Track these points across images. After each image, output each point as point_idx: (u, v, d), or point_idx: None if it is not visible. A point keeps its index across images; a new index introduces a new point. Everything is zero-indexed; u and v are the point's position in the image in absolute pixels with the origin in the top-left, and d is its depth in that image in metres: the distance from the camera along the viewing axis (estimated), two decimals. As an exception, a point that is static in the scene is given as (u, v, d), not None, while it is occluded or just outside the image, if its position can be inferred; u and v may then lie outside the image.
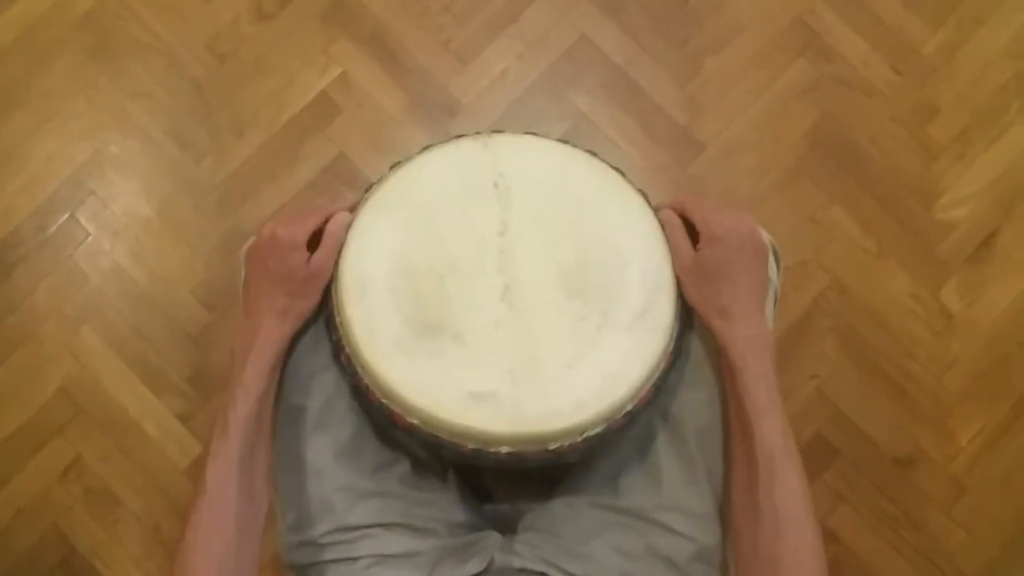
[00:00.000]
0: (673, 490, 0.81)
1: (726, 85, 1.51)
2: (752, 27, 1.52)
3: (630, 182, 0.85)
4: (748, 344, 0.76)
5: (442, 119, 1.50)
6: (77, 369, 1.44)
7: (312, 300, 0.81)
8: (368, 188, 0.85)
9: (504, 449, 0.75)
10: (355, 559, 0.81)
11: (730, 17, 1.52)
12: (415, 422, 0.76)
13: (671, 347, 0.79)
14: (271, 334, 0.78)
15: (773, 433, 0.74)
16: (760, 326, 0.78)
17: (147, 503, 1.41)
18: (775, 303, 0.88)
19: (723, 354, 0.78)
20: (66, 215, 1.48)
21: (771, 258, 0.88)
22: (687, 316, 0.82)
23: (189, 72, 1.51)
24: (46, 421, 1.43)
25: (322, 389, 0.84)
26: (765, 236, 0.89)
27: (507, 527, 0.88)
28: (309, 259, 0.79)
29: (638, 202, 0.84)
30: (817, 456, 1.41)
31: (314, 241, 0.80)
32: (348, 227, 0.82)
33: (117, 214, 1.48)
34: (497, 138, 0.85)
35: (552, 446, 0.74)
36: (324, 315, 0.83)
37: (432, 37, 1.52)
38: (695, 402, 0.83)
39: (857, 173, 1.48)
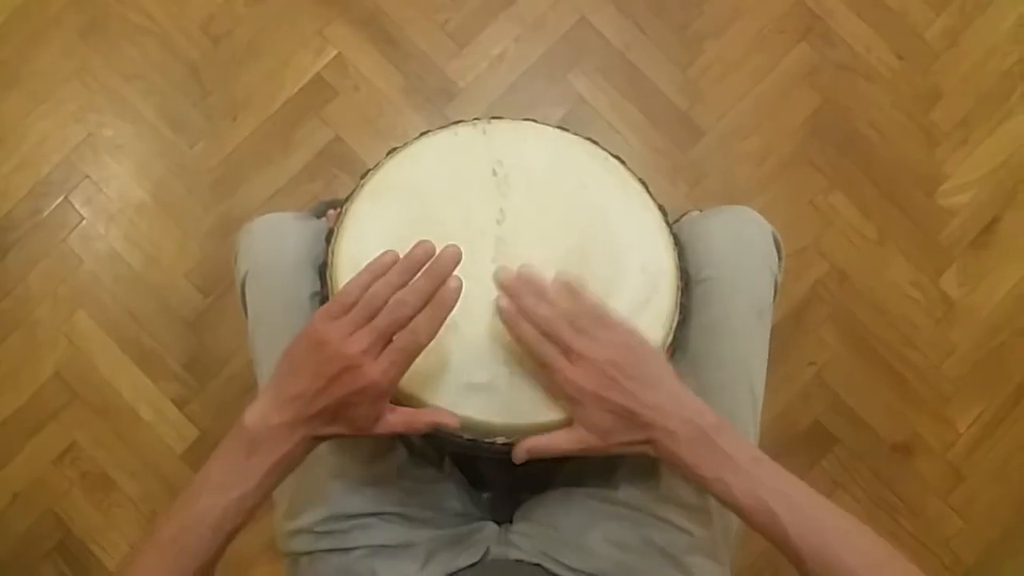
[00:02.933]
0: (670, 483, 0.81)
1: (726, 69, 1.49)
2: (753, 11, 1.51)
3: (630, 170, 0.84)
4: (690, 446, 0.68)
5: (439, 102, 1.49)
6: (72, 353, 1.43)
7: (347, 434, 0.70)
8: (364, 174, 0.84)
9: (500, 440, 0.74)
10: (350, 549, 0.81)
11: (731, 0, 1.51)
12: (411, 411, 0.75)
13: (670, 339, 0.78)
14: (296, 456, 0.68)
15: (777, 499, 0.66)
16: (684, 411, 0.69)
17: (143, 487, 1.41)
18: (775, 295, 0.87)
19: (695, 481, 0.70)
20: (60, 199, 1.47)
21: (773, 248, 0.87)
22: (686, 308, 0.81)
23: (183, 54, 1.50)
24: (41, 406, 1.42)
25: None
26: (765, 224, 0.88)
27: (503, 517, 0.88)
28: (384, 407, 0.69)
29: (638, 191, 0.83)
30: (815, 443, 1.41)
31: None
32: (344, 213, 0.81)
33: (111, 197, 1.47)
34: (496, 124, 0.84)
35: (548, 436, 0.74)
36: (319, 300, 0.82)
37: (429, 19, 1.50)
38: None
39: (858, 159, 1.47)
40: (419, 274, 0.66)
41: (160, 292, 1.45)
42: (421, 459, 0.87)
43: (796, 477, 0.68)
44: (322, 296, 0.80)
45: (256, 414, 0.66)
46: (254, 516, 0.68)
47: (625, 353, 0.70)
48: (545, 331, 0.71)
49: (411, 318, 0.66)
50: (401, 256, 0.68)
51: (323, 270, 0.80)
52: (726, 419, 0.70)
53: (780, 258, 0.89)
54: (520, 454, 0.72)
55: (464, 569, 0.80)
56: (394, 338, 0.66)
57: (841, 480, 1.41)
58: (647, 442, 0.69)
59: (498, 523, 0.86)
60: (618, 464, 0.82)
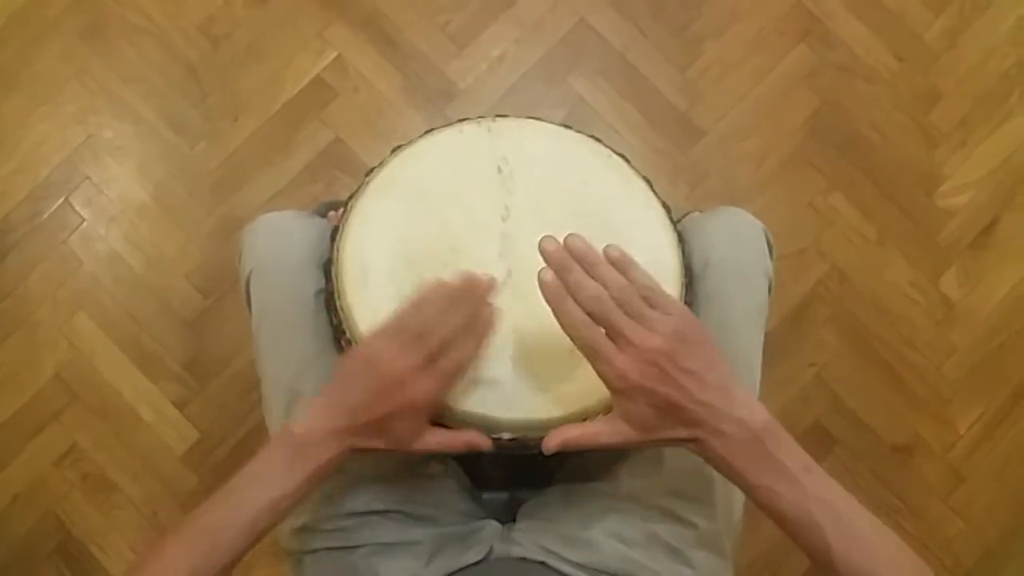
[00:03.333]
0: (674, 476, 0.81)
1: (726, 70, 1.50)
2: (752, 12, 1.51)
3: (635, 168, 0.84)
4: (740, 449, 0.65)
5: (439, 103, 1.49)
6: (72, 355, 1.43)
7: (386, 449, 0.71)
8: (369, 171, 0.84)
9: (506, 435, 0.74)
10: (353, 547, 0.81)
11: (730, 2, 1.51)
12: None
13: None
14: (336, 464, 0.70)
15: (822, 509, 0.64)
16: (735, 410, 0.65)
17: (143, 489, 1.41)
18: (770, 292, 0.87)
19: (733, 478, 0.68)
20: (60, 200, 1.47)
21: (765, 247, 0.87)
22: (691, 305, 0.81)
23: (183, 55, 1.50)
24: (42, 407, 1.42)
25: (321, 374, 0.82)
26: (757, 223, 0.89)
27: (507, 515, 0.87)
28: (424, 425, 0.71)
29: (642, 189, 0.83)
30: (816, 444, 1.41)
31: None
32: (349, 211, 0.81)
33: (111, 199, 1.47)
34: (500, 122, 0.84)
35: (556, 433, 0.73)
36: (324, 298, 0.82)
37: (429, 20, 1.50)
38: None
39: (857, 160, 1.47)
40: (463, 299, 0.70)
41: (161, 293, 1.45)
42: (425, 457, 0.86)
43: (844, 489, 0.65)
44: (327, 293, 0.80)
45: (303, 423, 0.69)
46: (285, 519, 0.71)
47: (678, 343, 0.64)
48: (593, 312, 0.65)
49: (452, 340, 0.69)
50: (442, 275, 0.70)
51: (328, 267, 0.80)
52: (775, 420, 0.66)
53: (771, 255, 0.89)
54: (552, 445, 0.69)
55: (468, 567, 0.79)
56: (440, 360, 0.69)
57: (841, 481, 1.36)
58: (692, 440, 0.66)
59: (501, 521, 0.86)
60: (621, 458, 0.82)
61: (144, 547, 1.39)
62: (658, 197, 0.83)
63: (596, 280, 0.65)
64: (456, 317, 0.69)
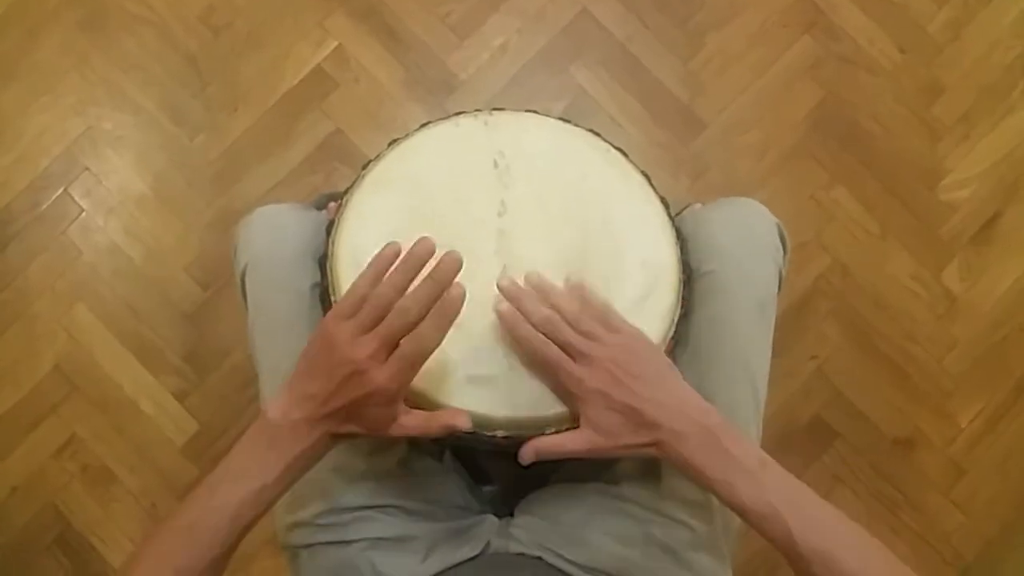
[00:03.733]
0: (671, 478, 0.80)
1: (728, 62, 1.49)
2: (755, 3, 1.50)
3: (632, 163, 0.83)
4: (698, 448, 0.69)
5: (440, 94, 1.48)
6: (71, 346, 1.43)
7: (363, 434, 0.70)
8: (365, 165, 0.83)
9: (501, 433, 0.74)
10: (350, 542, 0.80)
11: (733, -7, 1.50)
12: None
13: (671, 333, 0.78)
14: (316, 452, 0.69)
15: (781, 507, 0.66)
16: (690, 412, 0.70)
17: (143, 481, 1.41)
18: (779, 287, 0.87)
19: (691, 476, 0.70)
20: (59, 191, 1.46)
21: (778, 241, 0.87)
22: (687, 302, 0.81)
23: (183, 45, 1.49)
24: (41, 399, 1.42)
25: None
26: (769, 216, 0.88)
27: (504, 510, 0.87)
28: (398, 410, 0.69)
29: (640, 184, 0.82)
30: (816, 438, 1.41)
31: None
32: (345, 205, 0.80)
33: (111, 190, 1.47)
34: (497, 116, 0.84)
35: (549, 431, 0.73)
36: (319, 292, 0.81)
37: (430, 11, 1.50)
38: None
39: (860, 153, 1.46)
40: (422, 280, 0.66)
41: (160, 285, 1.44)
42: (421, 452, 0.86)
43: (800, 481, 0.68)
44: (322, 288, 0.80)
45: (277, 409, 0.67)
46: (271, 509, 0.69)
47: (628, 353, 0.71)
48: (546, 332, 0.73)
49: (415, 324, 0.65)
50: (404, 249, 0.67)
51: (323, 262, 0.80)
52: (730, 420, 0.70)
53: (785, 251, 0.88)
54: (527, 455, 0.73)
55: (464, 562, 0.79)
56: (400, 344, 0.65)
57: (842, 475, 1.40)
58: (653, 444, 0.70)
59: (498, 516, 0.86)
60: (620, 459, 0.82)
61: (137, 544, 1.38)
62: (656, 192, 0.83)
63: (552, 307, 0.74)
64: (416, 302, 0.65)
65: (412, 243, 0.67)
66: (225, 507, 0.66)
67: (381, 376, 0.65)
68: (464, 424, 0.70)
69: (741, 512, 0.67)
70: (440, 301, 0.65)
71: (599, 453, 0.71)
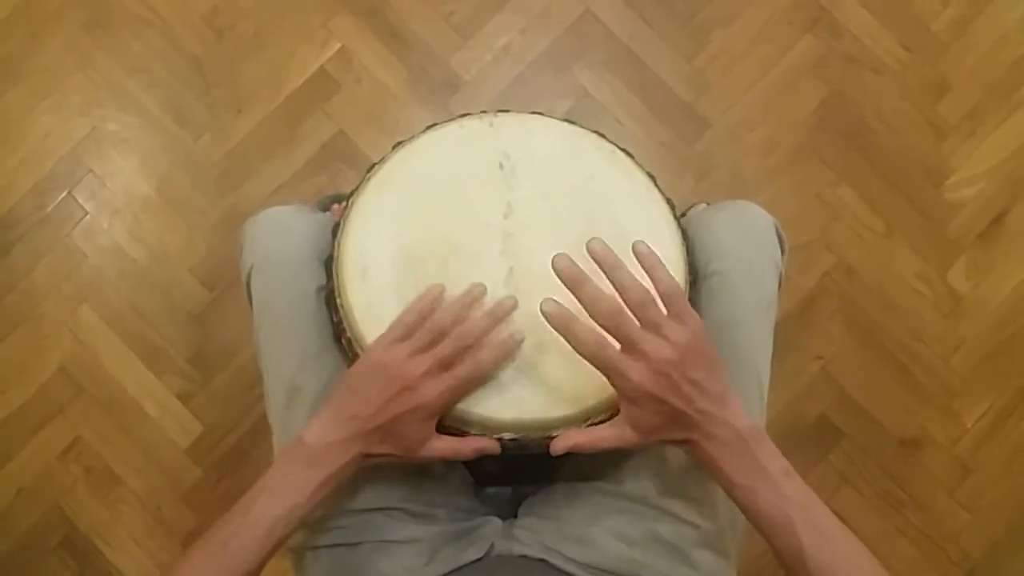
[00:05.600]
0: (676, 476, 0.80)
1: (732, 61, 1.49)
2: (759, 2, 1.50)
3: (639, 164, 0.83)
4: (727, 451, 0.69)
5: (443, 95, 1.48)
6: (77, 348, 1.43)
7: (396, 455, 0.73)
8: (370, 168, 0.83)
9: (506, 436, 0.74)
10: (355, 544, 0.81)
11: (737, -9, 1.50)
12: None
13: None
14: (348, 471, 0.72)
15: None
16: (727, 416, 0.68)
17: (148, 483, 1.41)
18: (780, 286, 0.87)
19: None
20: (64, 193, 1.47)
21: (776, 241, 0.87)
22: (694, 303, 0.80)
23: (187, 47, 1.49)
24: (46, 401, 1.42)
25: (322, 371, 0.82)
26: (768, 217, 0.88)
27: (508, 512, 0.87)
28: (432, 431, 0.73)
29: (646, 185, 0.82)
30: (822, 437, 1.41)
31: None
32: (350, 207, 0.80)
33: (115, 192, 1.47)
34: (502, 117, 0.84)
35: (555, 433, 0.73)
36: (325, 295, 0.81)
37: (433, 11, 1.49)
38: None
39: (865, 151, 1.46)
40: (480, 314, 0.73)
41: (165, 287, 1.44)
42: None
43: (817, 495, 0.69)
44: (328, 290, 0.80)
45: (316, 431, 0.71)
46: (302, 526, 0.73)
47: (690, 353, 0.66)
48: (607, 327, 0.66)
49: (466, 351, 0.71)
50: (447, 290, 0.74)
51: (329, 264, 0.80)
52: (759, 426, 0.71)
53: (783, 250, 0.88)
54: (559, 449, 0.71)
55: (469, 564, 0.79)
56: (458, 366, 0.71)
57: (848, 474, 1.40)
58: (685, 442, 0.70)
59: (502, 518, 0.86)
60: (623, 458, 0.82)
61: (168, 563, 1.39)
62: (662, 193, 0.83)
63: (616, 284, 0.66)
64: (478, 329, 0.71)
65: (467, 288, 0.74)
66: (260, 524, 0.69)
67: (431, 393, 0.70)
68: (494, 449, 0.73)
69: (756, 518, 0.68)
70: (504, 342, 0.72)
71: (629, 447, 0.71)
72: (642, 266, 0.67)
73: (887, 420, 1.41)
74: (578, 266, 0.66)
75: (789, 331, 1.41)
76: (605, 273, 0.66)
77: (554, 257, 0.66)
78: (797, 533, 0.66)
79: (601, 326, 0.66)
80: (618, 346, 0.67)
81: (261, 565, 0.70)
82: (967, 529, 1.40)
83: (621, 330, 0.66)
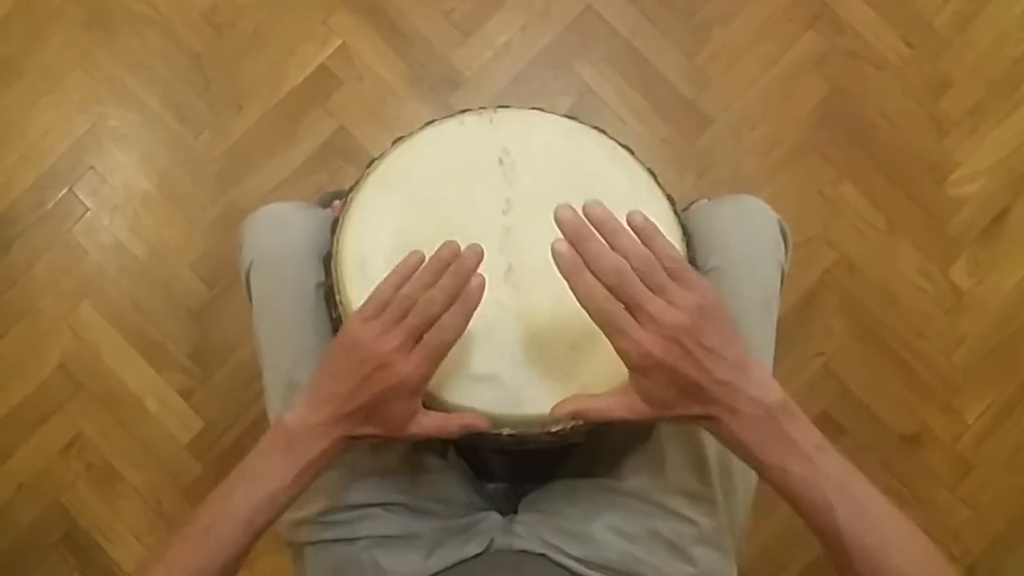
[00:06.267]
0: (676, 472, 0.80)
1: (734, 57, 1.48)
2: (760, -2, 1.49)
3: (639, 160, 0.83)
4: (754, 427, 0.64)
5: (444, 92, 1.48)
6: (77, 344, 1.43)
7: (381, 435, 0.70)
8: (370, 163, 0.83)
9: (506, 431, 0.74)
10: (354, 539, 0.80)
11: (738, -13, 1.50)
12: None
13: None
14: (331, 455, 0.70)
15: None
16: (751, 388, 0.63)
17: (148, 478, 1.41)
18: (782, 283, 0.87)
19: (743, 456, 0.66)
20: (64, 190, 1.47)
21: (779, 238, 0.86)
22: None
23: (187, 44, 1.49)
24: (47, 397, 1.43)
25: (321, 366, 0.82)
26: (771, 213, 0.87)
27: (508, 507, 0.87)
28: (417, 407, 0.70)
29: (646, 181, 0.82)
30: (823, 433, 1.40)
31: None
32: (350, 204, 0.80)
33: (116, 188, 1.47)
34: (502, 113, 0.83)
35: (554, 429, 0.73)
36: (324, 291, 0.81)
37: (434, 7, 1.49)
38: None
39: (867, 148, 1.46)
40: (446, 273, 0.67)
41: (165, 283, 1.45)
42: (425, 449, 0.86)
43: (858, 471, 0.64)
44: (327, 286, 0.80)
45: (295, 415, 0.69)
46: (284, 512, 0.70)
47: (701, 318, 0.62)
48: (612, 286, 0.62)
49: (439, 316, 0.67)
50: (427, 256, 0.69)
51: (328, 260, 0.80)
52: (789, 398, 0.64)
53: (787, 247, 0.88)
54: (563, 412, 0.68)
55: (469, 560, 0.79)
56: (424, 336, 0.67)
57: (849, 471, 1.40)
58: (707, 418, 0.64)
59: (502, 513, 0.86)
60: (623, 454, 0.82)
61: (150, 549, 1.39)
62: (662, 189, 0.82)
63: (617, 250, 0.63)
64: (441, 293, 0.66)
65: (437, 248, 0.68)
66: (241, 510, 0.67)
67: (406, 367, 0.66)
68: (482, 425, 0.71)
69: (792, 499, 0.64)
70: (464, 291, 0.67)
71: (643, 420, 0.66)
72: (640, 238, 0.64)
73: (888, 416, 1.41)
74: (583, 219, 0.63)
75: (790, 327, 1.40)
76: (604, 237, 0.63)
77: (557, 208, 0.63)
78: (835, 514, 0.61)
79: (606, 285, 0.62)
80: None
81: (244, 551, 0.68)
82: (968, 525, 1.39)
83: (627, 290, 0.62)
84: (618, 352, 0.64)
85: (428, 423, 0.70)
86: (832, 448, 0.64)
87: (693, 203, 1.33)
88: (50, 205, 1.46)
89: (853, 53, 1.48)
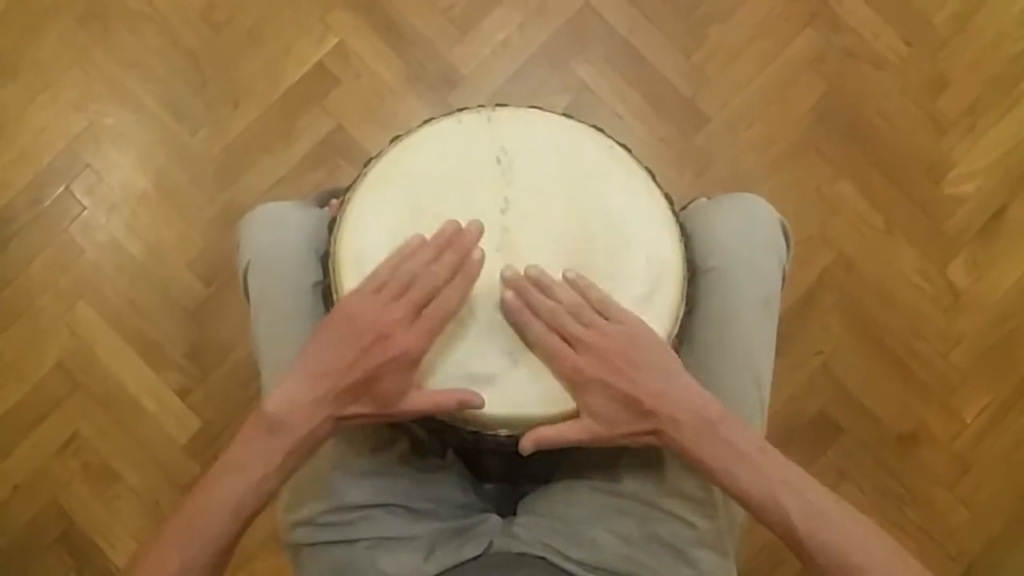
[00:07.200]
0: (674, 475, 0.80)
1: (731, 55, 1.48)
2: (757, -4, 1.49)
3: (636, 159, 0.83)
4: (697, 435, 0.69)
5: (441, 90, 1.47)
6: (74, 344, 1.43)
7: (371, 414, 0.70)
8: (367, 162, 0.83)
9: (503, 432, 0.74)
10: (353, 541, 0.80)
11: (736, -14, 1.49)
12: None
13: (676, 330, 0.77)
14: (318, 438, 0.68)
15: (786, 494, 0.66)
16: (689, 402, 0.70)
17: (145, 478, 1.41)
18: (783, 282, 0.86)
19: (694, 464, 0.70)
20: (61, 188, 1.46)
21: (780, 236, 0.86)
22: (692, 299, 0.80)
23: (184, 42, 1.49)
24: (43, 396, 1.42)
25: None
26: (772, 212, 0.87)
27: (506, 509, 0.87)
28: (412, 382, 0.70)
29: (644, 180, 0.82)
30: (821, 433, 1.40)
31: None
32: (347, 202, 0.80)
33: (112, 187, 1.46)
34: (500, 112, 0.83)
35: (552, 430, 0.73)
36: (321, 291, 0.81)
37: (431, 5, 1.49)
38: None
39: (865, 146, 1.45)
40: (449, 249, 0.72)
41: (162, 282, 1.44)
42: (424, 451, 0.86)
43: (802, 469, 0.68)
44: (324, 285, 0.79)
45: (279, 396, 0.67)
46: (272, 501, 0.69)
47: (629, 343, 0.71)
48: (550, 324, 0.73)
49: (440, 289, 0.70)
50: (429, 238, 0.73)
51: (325, 259, 0.79)
52: (732, 410, 0.70)
53: (789, 247, 0.87)
54: (527, 445, 0.72)
55: (467, 562, 0.79)
56: (424, 309, 0.69)
57: (846, 470, 1.40)
58: (652, 432, 0.70)
59: (501, 515, 0.86)
60: (622, 456, 0.82)
61: (141, 543, 1.38)
62: (660, 188, 0.82)
63: (553, 298, 0.74)
64: (444, 267, 0.70)
65: (441, 226, 0.73)
66: (227, 499, 0.66)
67: (406, 339, 0.68)
68: (477, 402, 0.72)
69: (744, 502, 0.67)
70: (464, 264, 0.72)
71: (599, 442, 0.72)
72: (575, 289, 0.75)
73: (886, 415, 1.41)
74: (523, 277, 0.75)
75: (788, 326, 1.38)
76: (543, 292, 0.74)
77: (502, 270, 0.75)
78: (786, 512, 0.64)
79: (546, 323, 0.73)
80: None
81: (234, 541, 0.67)
82: (965, 525, 1.40)
83: (562, 325, 0.72)
84: (557, 375, 0.73)
85: (422, 399, 0.70)
86: (775, 451, 0.69)
87: (691, 202, 1.33)
88: (47, 203, 1.46)
89: (851, 51, 1.48)
